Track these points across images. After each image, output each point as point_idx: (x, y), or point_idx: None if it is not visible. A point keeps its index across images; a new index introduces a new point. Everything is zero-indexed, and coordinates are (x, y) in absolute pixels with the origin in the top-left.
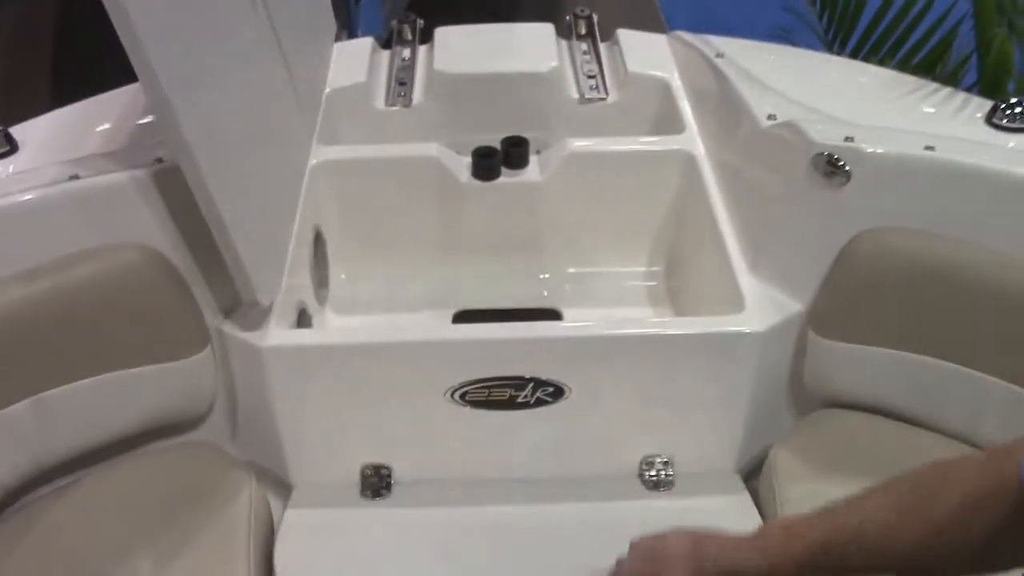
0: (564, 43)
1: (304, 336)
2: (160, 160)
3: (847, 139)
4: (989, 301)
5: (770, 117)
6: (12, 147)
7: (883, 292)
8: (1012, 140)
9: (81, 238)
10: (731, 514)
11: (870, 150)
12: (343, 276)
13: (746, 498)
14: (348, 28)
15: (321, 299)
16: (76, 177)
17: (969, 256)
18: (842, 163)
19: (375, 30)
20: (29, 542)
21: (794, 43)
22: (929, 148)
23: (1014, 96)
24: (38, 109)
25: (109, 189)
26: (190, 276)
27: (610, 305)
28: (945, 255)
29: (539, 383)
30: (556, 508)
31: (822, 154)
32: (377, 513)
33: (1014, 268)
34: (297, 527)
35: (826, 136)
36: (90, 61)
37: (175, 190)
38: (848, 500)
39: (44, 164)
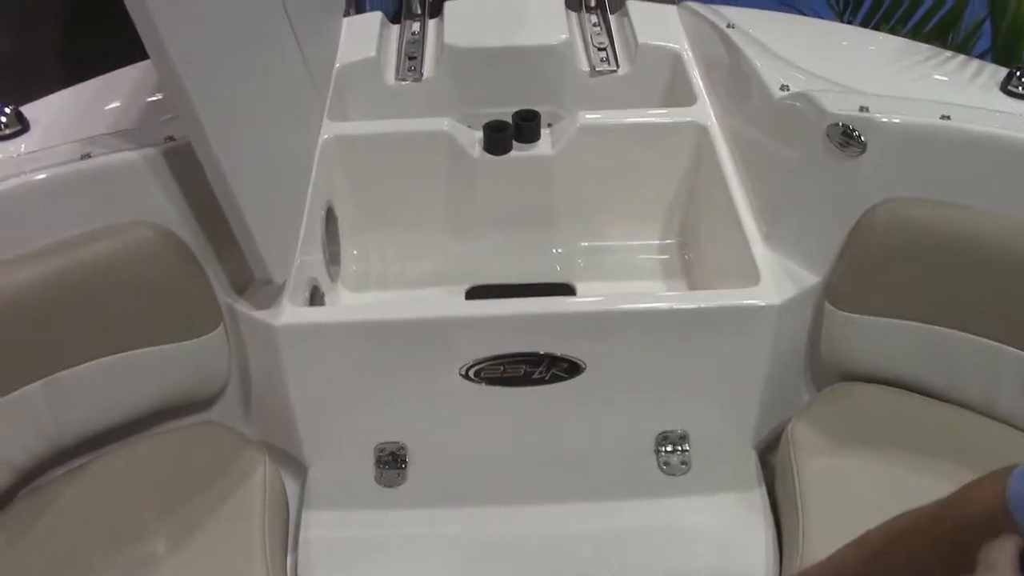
0: (574, 15)
1: (317, 314)
2: (171, 138)
3: (862, 109)
4: (1007, 271)
5: (783, 88)
6: (24, 126)
7: (900, 263)
8: None
9: (93, 217)
10: (744, 512)
11: (885, 120)
12: (355, 252)
13: (761, 493)
14: (355, 4)
15: (333, 275)
16: (88, 156)
17: (986, 226)
18: (857, 133)
19: (384, 4)
20: (44, 523)
21: (804, 12)
22: (945, 117)
23: None
24: (49, 84)
25: (121, 168)
26: (202, 254)
27: (623, 279)
28: (962, 225)
29: (554, 359)
30: (569, 509)
31: (836, 124)
32: (395, 519)
33: None
34: (315, 538)
35: (840, 106)
36: (101, 35)
37: (187, 168)
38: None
39: (56, 143)
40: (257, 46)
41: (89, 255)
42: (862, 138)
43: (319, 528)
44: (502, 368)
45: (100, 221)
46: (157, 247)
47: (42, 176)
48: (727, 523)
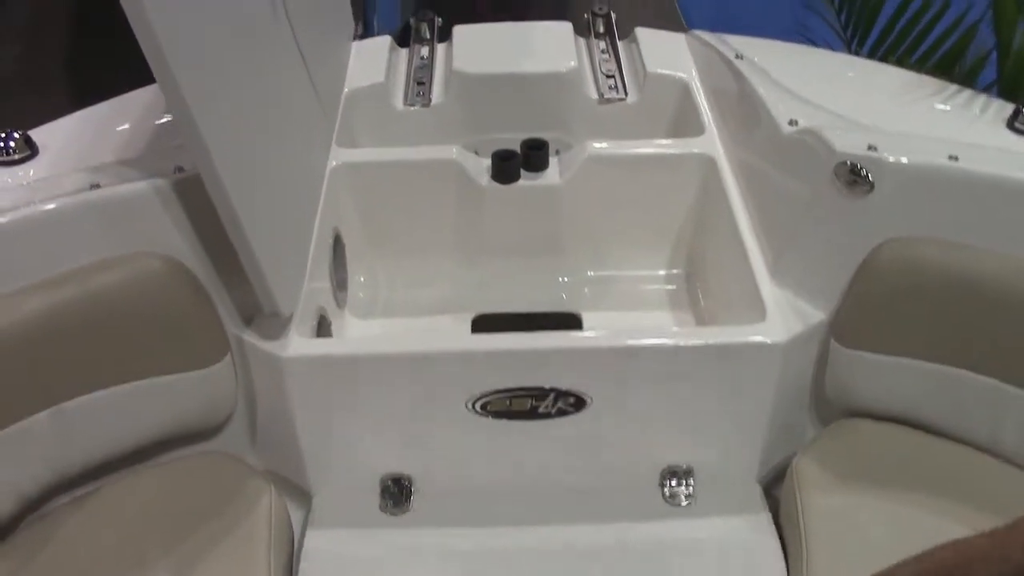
0: (582, 41)
1: (324, 346)
2: (181, 169)
3: (870, 148)
4: (1012, 311)
5: (792, 123)
6: (32, 151)
7: (906, 302)
8: None
9: (102, 247)
10: (750, 537)
11: (893, 159)
12: (362, 278)
13: (765, 519)
14: (364, 19)
15: (340, 302)
16: (97, 186)
17: (992, 266)
18: (865, 172)
19: (391, 21)
20: (49, 551)
21: (812, 40)
22: (952, 158)
23: None
24: (56, 92)
25: (130, 199)
26: (210, 285)
27: (630, 309)
28: (968, 265)
29: (560, 393)
30: (576, 531)
31: (845, 163)
32: (398, 538)
33: None
34: (319, 554)
35: (849, 145)
36: (107, 44)
37: (196, 199)
38: None
39: (65, 171)
40: (267, 75)
41: (97, 285)
42: (870, 177)
43: (323, 559)
44: (508, 402)
45: (109, 251)
46: (165, 278)
47: (51, 206)
48: (732, 557)
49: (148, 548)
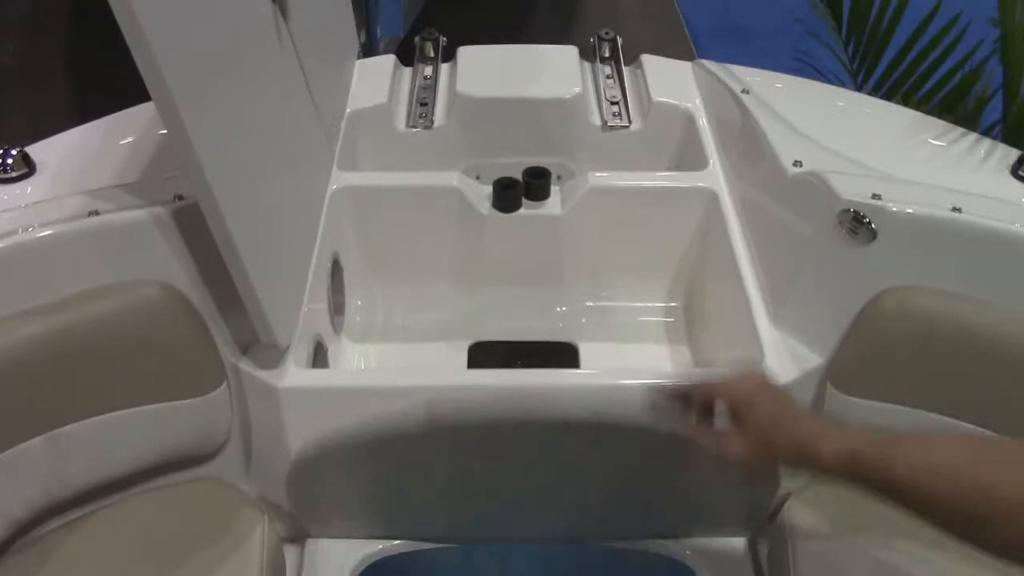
0: (587, 66)
1: (321, 377)
2: (180, 196)
3: (874, 196)
4: (1009, 364)
5: (796, 163)
6: (31, 169)
7: (904, 351)
8: None
9: (99, 274)
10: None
11: (896, 209)
12: (359, 302)
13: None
14: (366, 27)
15: (337, 326)
16: (96, 213)
17: (991, 319)
18: (868, 220)
19: (392, 27)
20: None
21: (818, 70)
22: (956, 209)
23: None
24: (54, 88)
25: (129, 226)
26: (208, 313)
27: (627, 341)
28: (967, 316)
29: None
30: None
31: (848, 210)
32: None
33: None
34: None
35: (853, 192)
36: (105, 42)
37: (195, 228)
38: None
39: (63, 191)
40: (269, 98)
41: (94, 312)
42: (873, 225)
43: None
44: None
45: (106, 278)
46: (162, 305)
47: (50, 232)
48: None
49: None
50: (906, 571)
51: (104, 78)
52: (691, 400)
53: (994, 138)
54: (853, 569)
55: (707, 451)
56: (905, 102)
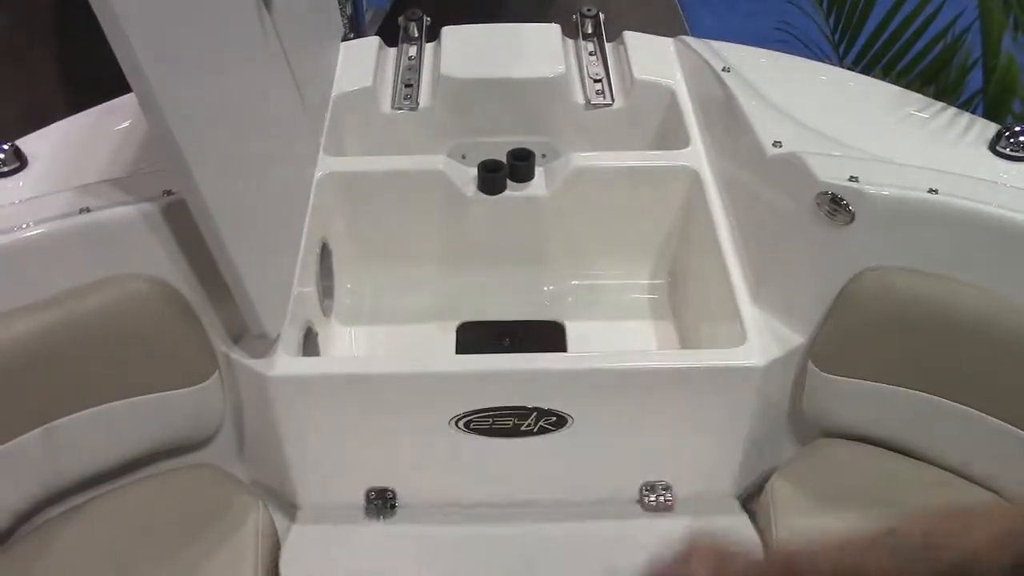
0: (570, 43)
1: (310, 365)
2: (169, 192)
3: (851, 179)
4: (986, 342)
5: (776, 144)
6: (22, 163)
7: (884, 331)
8: (1015, 168)
9: (90, 270)
10: (728, 524)
11: (874, 191)
12: (348, 286)
13: (744, 520)
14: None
15: (327, 310)
16: (87, 210)
17: (967, 298)
18: (845, 203)
19: (380, 1)
20: (41, 565)
21: (801, 41)
22: (933, 190)
23: (1020, 114)
24: (40, 67)
25: (119, 223)
26: (198, 305)
27: (613, 318)
28: (945, 296)
29: (542, 412)
30: (557, 527)
31: (826, 193)
32: (380, 529)
33: (1011, 311)
34: (301, 543)
35: (830, 174)
36: (92, 19)
37: (184, 222)
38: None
39: (54, 186)
40: (253, 86)
41: (86, 307)
42: (850, 208)
43: (307, 562)
44: (491, 420)
45: (97, 274)
46: (153, 299)
47: (40, 230)
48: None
49: (137, 563)
50: None
51: (91, 56)
52: None
53: (976, 107)
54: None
55: None
56: (887, 73)
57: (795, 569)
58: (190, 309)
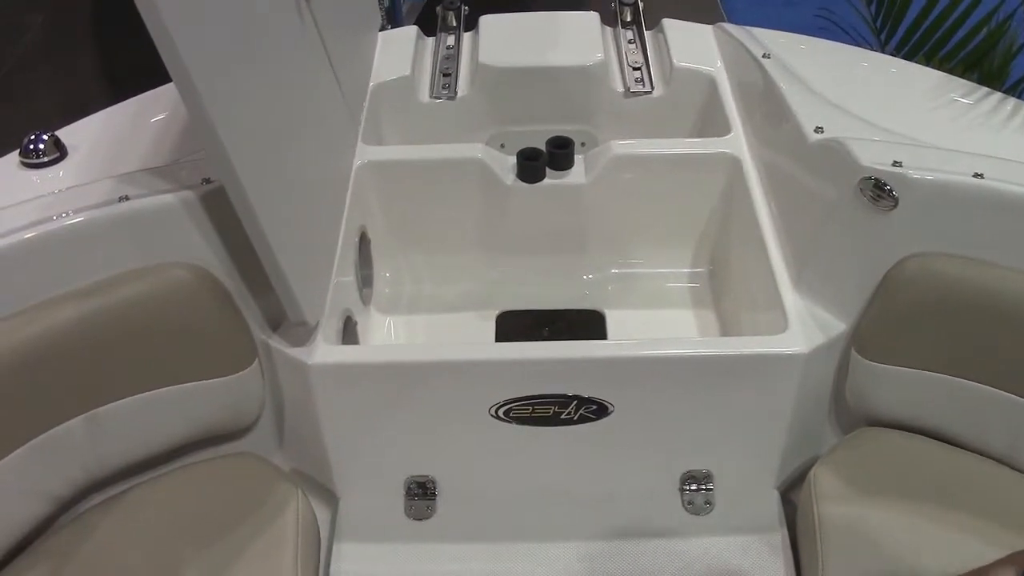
0: (609, 31)
1: (350, 353)
2: (208, 180)
3: (895, 163)
4: None
5: (818, 130)
6: (62, 153)
7: (927, 317)
8: None
9: (130, 258)
10: (765, 555)
11: (917, 176)
12: (387, 274)
13: (782, 535)
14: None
15: (366, 298)
16: (126, 198)
17: (1014, 284)
18: (889, 188)
19: None
20: (83, 553)
21: (842, 28)
22: (978, 175)
23: None
24: (79, 64)
25: (158, 211)
26: (238, 293)
27: (653, 307)
28: (990, 282)
29: (582, 401)
30: (596, 547)
31: (869, 178)
32: (422, 550)
33: None
34: (346, 571)
35: (874, 160)
36: (131, 14)
37: (223, 210)
38: None
39: (94, 176)
40: (291, 77)
41: (128, 295)
42: (894, 193)
43: (349, 561)
44: (531, 408)
45: (137, 262)
46: (193, 287)
47: (80, 219)
48: (747, 566)
49: (178, 552)
50: (929, 531)
51: (130, 51)
52: None
53: (1021, 93)
54: (876, 529)
55: None
56: (929, 60)
57: None
58: (230, 297)
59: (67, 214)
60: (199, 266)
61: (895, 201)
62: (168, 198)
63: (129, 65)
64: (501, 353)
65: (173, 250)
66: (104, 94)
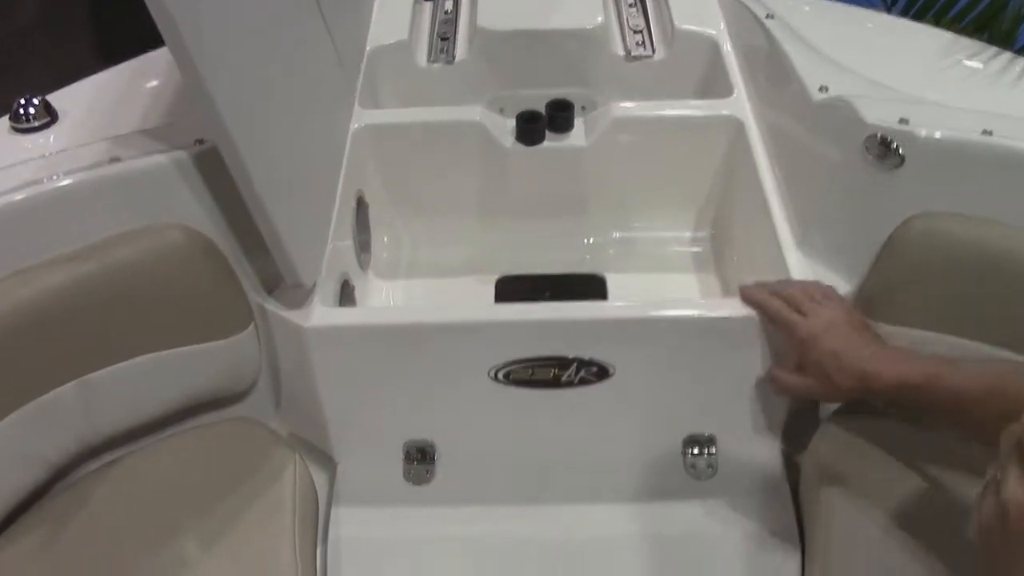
0: None
1: (347, 315)
2: (201, 141)
3: (901, 121)
4: None
5: (822, 89)
6: (52, 117)
7: (933, 277)
8: None
9: (123, 220)
10: (769, 520)
11: (925, 134)
12: (385, 239)
13: (786, 499)
14: None
15: (363, 263)
16: (117, 159)
17: (1021, 243)
18: (895, 146)
19: None
20: (79, 519)
21: None
22: (987, 132)
23: None
24: (77, 46)
25: (150, 172)
26: (233, 255)
27: (655, 271)
28: (998, 241)
29: (583, 363)
30: (597, 511)
31: (875, 136)
32: (421, 514)
33: None
34: (345, 535)
35: (880, 117)
36: None
37: (217, 171)
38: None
39: (84, 140)
40: (287, 37)
41: (120, 258)
42: (900, 151)
43: (348, 526)
44: (531, 371)
45: (130, 224)
46: (187, 249)
47: (71, 181)
48: (752, 530)
49: (174, 517)
50: (934, 492)
51: (129, 32)
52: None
53: None
54: (880, 490)
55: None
56: (937, 22)
57: None
58: (224, 260)
59: (57, 176)
60: (193, 228)
61: (901, 159)
62: (160, 158)
63: (126, 39)
64: (500, 314)
65: (166, 212)
66: (101, 68)
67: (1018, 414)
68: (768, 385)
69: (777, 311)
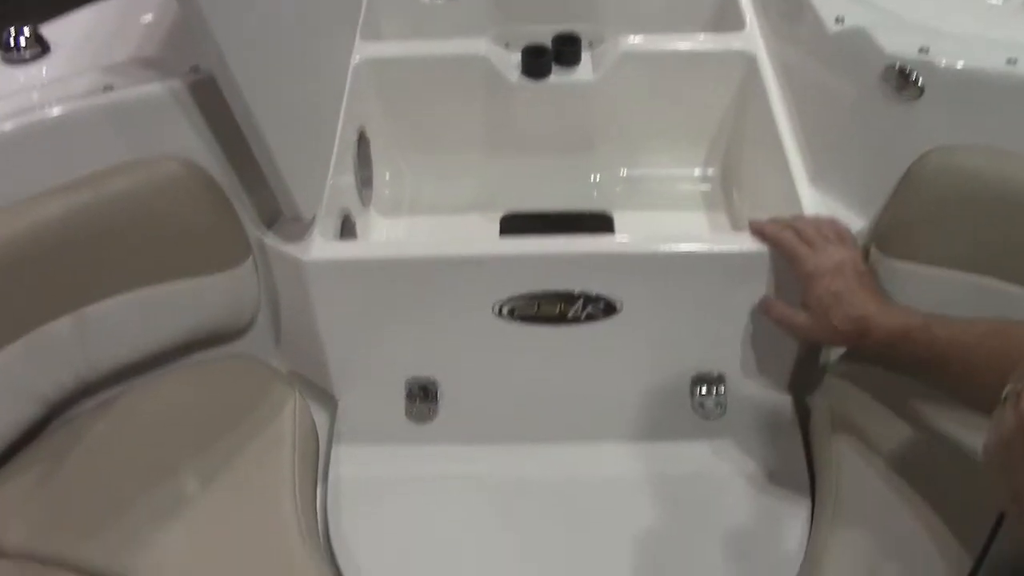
0: None
1: (347, 249)
2: (196, 69)
3: (921, 50)
4: None
5: (838, 20)
6: (44, 48)
7: (952, 212)
8: None
9: (118, 151)
10: (778, 461)
11: (945, 63)
12: (388, 176)
13: (795, 441)
14: None
15: (365, 199)
16: (111, 88)
17: None
18: (915, 76)
19: None
20: (77, 455)
21: None
22: (1011, 62)
23: None
24: None
25: (145, 101)
26: (230, 187)
27: (663, 209)
28: (1019, 175)
29: (589, 299)
30: (603, 449)
31: (893, 66)
32: (423, 452)
33: None
34: (345, 473)
35: (898, 47)
36: None
37: (213, 100)
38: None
39: (77, 70)
40: None
41: (116, 189)
42: (920, 82)
43: (349, 464)
44: (536, 306)
45: (124, 155)
46: (184, 181)
47: (63, 110)
48: (761, 472)
49: (173, 454)
50: (938, 445)
51: None
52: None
53: None
54: (889, 433)
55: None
56: None
57: None
58: (222, 192)
59: (48, 105)
60: (189, 159)
61: (920, 90)
62: (155, 87)
63: None
64: (505, 248)
65: (162, 142)
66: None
67: (1020, 351)
68: (760, 309)
69: (786, 242)
